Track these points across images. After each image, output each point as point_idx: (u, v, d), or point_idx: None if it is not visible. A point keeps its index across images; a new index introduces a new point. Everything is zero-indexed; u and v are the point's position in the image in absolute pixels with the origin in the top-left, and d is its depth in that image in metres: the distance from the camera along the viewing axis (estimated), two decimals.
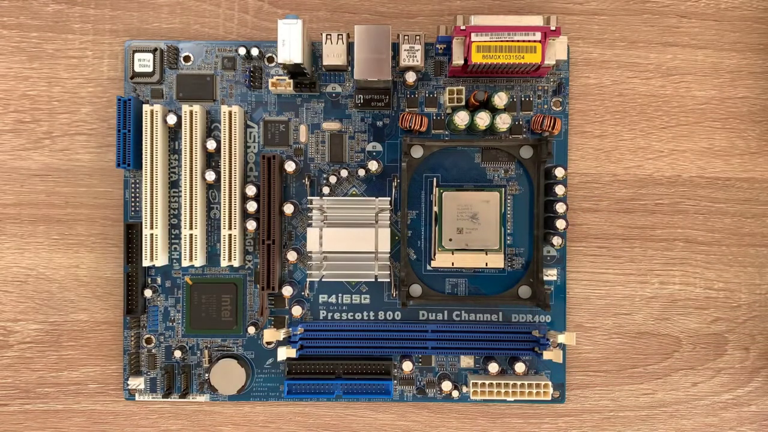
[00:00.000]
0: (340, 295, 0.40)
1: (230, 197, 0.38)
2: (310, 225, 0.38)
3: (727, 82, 0.41)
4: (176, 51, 0.40)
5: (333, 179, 0.40)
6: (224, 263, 0.39)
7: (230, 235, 0.38)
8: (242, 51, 0.39)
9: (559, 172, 0.38)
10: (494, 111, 0.39)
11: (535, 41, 0.36)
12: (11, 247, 0.41)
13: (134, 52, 0.40)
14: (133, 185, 0.40)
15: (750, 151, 0.41)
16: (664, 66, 0.41)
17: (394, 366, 0.40)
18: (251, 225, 0.39)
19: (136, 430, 0.41)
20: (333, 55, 0.38)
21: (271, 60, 0.40)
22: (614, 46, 0.40)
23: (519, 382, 0.38)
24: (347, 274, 0.39)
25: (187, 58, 0.40)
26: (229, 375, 0.39)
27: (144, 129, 0.38)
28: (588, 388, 0.41)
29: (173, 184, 0.40)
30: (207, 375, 0.40)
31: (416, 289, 0.40)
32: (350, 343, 0.39)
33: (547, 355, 0.38)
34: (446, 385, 0.39)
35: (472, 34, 0.36)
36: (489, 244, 0.39)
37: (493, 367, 0.39)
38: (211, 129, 0.40)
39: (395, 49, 0.39)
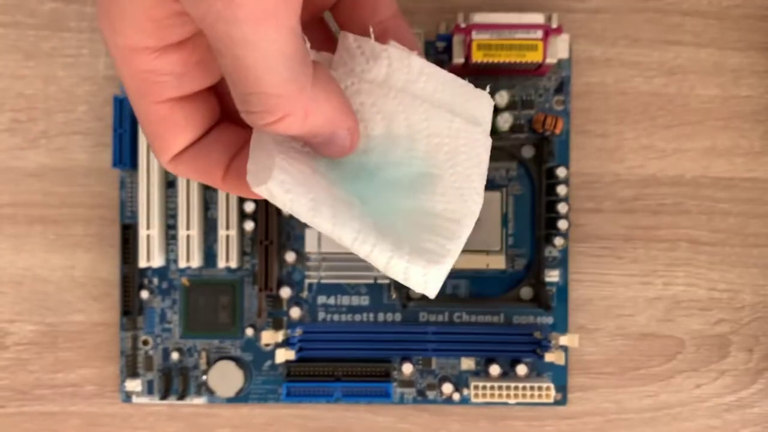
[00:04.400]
0: (339, 296, 0.40)
1: (227, 197, 0.38)
2: (308, 225, 0.38)
3: (730, 81, 0.40)
4: None
5: None
6: (222, 264, 0.38)
7: (227, 236, 0.38)
8: None
9: (561, 172, 0.38)
10: (495, 110, 0.38)
11: (536, 39, 0.36)
12: (7, 247, 0.40)
13: None
14: (129, 185, 0.40)
15: (753, 150, 0.40)
16: (666, 65, 0.40)
17: (394, 368, 0.40)
18: (249, 225, 0.38)
19: None
20: None
21: None
22: (616, 44, 0.40)
23: (521, 385, 0.38)
24: (346, 276, 0.39)
25: None
26: (226, 377, 0.39)
27: (140, 128, 0.38)
28: (590, 390, 0.41)
29: (170, 184, 0.40)
30: (205, 377, 0.39)
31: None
32: (349, 345, 0.38)
33: (549, 357, 0.37)
34: (447, 388, 0.39)
35: (473, 32, 0.36)
36: (490, 245, 0.39)
37: (495, 369, 0.39)
38: None
39: None
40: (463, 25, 0.36)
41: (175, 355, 0.39)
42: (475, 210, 0.24)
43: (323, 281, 0.39)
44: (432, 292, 0.23)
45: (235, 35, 0.17)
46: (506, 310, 0.40)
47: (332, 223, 0.21)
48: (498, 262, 0.39)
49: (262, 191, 0.21)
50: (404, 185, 0.23)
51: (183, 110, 0.22)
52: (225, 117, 0.24)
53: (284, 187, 0.21)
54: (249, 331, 0.39)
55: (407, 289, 0.39)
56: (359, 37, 0.23)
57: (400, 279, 0.22)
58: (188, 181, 0.38)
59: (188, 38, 0.21)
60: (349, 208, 0.22)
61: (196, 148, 0.23)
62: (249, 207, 0.38)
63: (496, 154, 0.40)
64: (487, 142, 0.25)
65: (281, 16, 0.18)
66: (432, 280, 0.22)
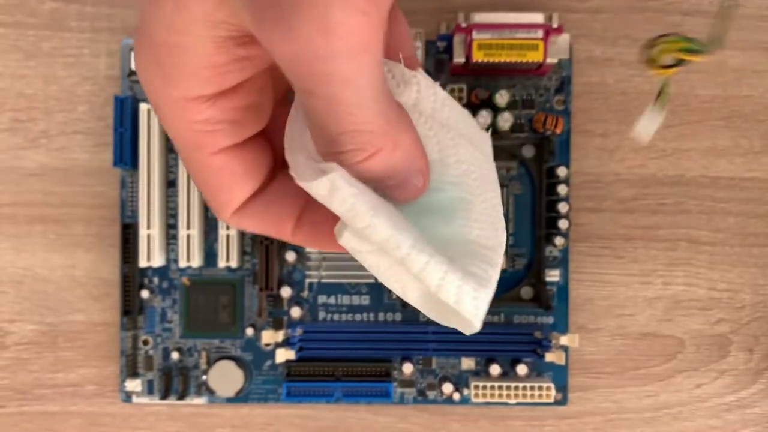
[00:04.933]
0: (339, 296, 0.40)
1: None
2: None
3: (730, 81, 0.40)
4: None
5: None
6: (222, 264, 0.38)
7: (228, 235, 0.38)
8: None
9: (561, 172, 0.38)
10: (496, 109, 0.38)
11: (537, 39, 0.36)
12: (8, 247, 0.40)
13: (131, 50, 0.39)
14: (130, 185, 0.40)
15: (753, 150, 0.40)
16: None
17: (394, 368, 0.40)
18: None
19: None
20: None
21: None
22: (617, 44, 0.40)
23: (521, 385, 0.38)
24: (347, 275, 0.38)
25: None
26: (226, 377, 0.39)
27: (141, 128, 0.38)
28: (590, 390, 0.41)
29: (170, 184, 0.40)
30: (205, 377, 0.39)
31: None
32: (350, 345, 0.38)
33: (549, 356, 0.37)
34: (447, 388, 0.39)
35: (474, 32, 0.36)
36: None
37: (495, 369, 0.39)
38: None
39: None
40: (463, 25, 0.36)
41: (175, 355, 0.39)
42: (503, 241, 0.23)
43: (324, 281, 0.39)
44: (479, 321, 0.21)
45: (332, 71, 0.16)
46: (506, 310, 0.40)
47: (391, 226, 0.19)
48: None
49: (322, 184, 0.19)
50: (440, 210, 0.22)
51: (240, 159, 0.21)
52: (278, 164, 0.23)
53: (348, 179, 0.19)
54: (249, 331, 0.39)
55: None
56: (389, 61, 0.22)
57: (451, 300, 0.21)
58: (189, 181, 0.38)
59: (242, 82, 0.20)
60: (402, 218, 0.21)
61: (262, 199, 0.22)
62: None
63: (496, 153, 0.39)
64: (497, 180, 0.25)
65: (374, 49, 0.17)
66: (482, 304, 0.21)
